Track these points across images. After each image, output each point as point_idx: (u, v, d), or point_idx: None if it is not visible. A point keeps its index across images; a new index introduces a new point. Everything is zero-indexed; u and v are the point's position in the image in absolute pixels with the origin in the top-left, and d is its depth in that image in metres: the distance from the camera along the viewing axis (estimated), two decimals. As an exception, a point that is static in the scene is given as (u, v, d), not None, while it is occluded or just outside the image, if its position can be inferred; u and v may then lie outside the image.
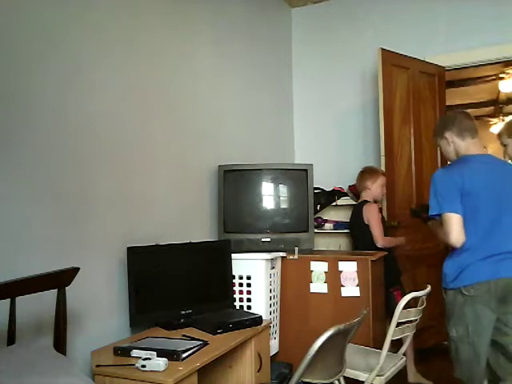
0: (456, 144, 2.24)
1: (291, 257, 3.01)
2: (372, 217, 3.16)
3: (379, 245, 3.11)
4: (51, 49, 1.99)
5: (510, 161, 2.61)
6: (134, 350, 1.87)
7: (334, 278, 2.90)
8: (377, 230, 3.12)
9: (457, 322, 2.10)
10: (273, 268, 2.90)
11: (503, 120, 7.50)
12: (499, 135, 2.65)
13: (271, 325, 2.78)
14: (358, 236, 3.36)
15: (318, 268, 2.94)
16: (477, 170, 2.12)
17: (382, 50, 3.52)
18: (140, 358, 1.81)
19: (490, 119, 7.73)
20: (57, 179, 1.99)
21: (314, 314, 2.93)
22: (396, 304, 2.20)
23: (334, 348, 1.79)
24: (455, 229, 2.03)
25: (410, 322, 2.28)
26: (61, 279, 1.77)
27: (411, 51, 3.75)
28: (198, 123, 2.98)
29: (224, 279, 2.67)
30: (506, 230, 2.08)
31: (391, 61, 3.57)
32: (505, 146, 2.60)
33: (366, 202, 3.29)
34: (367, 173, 3.37)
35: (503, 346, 2.07)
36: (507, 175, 2.18)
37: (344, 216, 3.87)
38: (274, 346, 2.91)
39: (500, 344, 2.08)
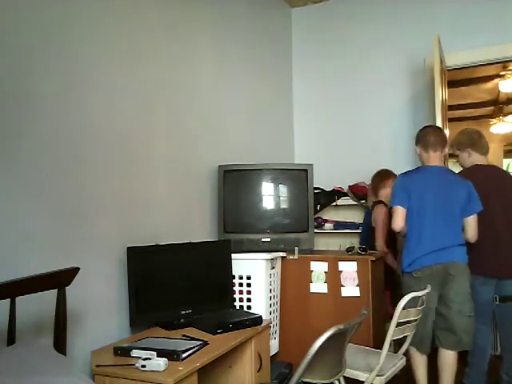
0: (421, 155, 2.78)
1: (291, 257, 3.01)
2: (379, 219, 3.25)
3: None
4: (51, 49, 1.99)
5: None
6: (134, 350, 1.87)
7: (334, 277, 2.90)
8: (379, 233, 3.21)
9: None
10: (273, 268, 2.90)
11: (503, 120, 7.51)
12: (451, 146, 3.01)
13: (271, 325, 2.78)
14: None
15: (318, 268, 2.94)
16: (426, 178, 2.65)
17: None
18: (140, 358, 1.81)
19: (490, 119, 7.72)
20: (57, 179, 1.99)
21: (314, 314, 2.93)
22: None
23: (334, 348, 1.79)
24: (397, 218, 2.62)
25: (410, 322, 2.28)
26: (61, 279, 1.76)
27: (411, 51, 3.75)
28: (198, 123, 2.98)
29: (224, 279, 2.67)
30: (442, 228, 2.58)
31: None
32: (457, 156, 3.00)
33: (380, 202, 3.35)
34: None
35: (446, 317, 2.56)
36: (450, 185, 2.64)
37: (344, 216, 3.87)
38: (274, 346, 2.91)
39: (443, 315, 2.57)
